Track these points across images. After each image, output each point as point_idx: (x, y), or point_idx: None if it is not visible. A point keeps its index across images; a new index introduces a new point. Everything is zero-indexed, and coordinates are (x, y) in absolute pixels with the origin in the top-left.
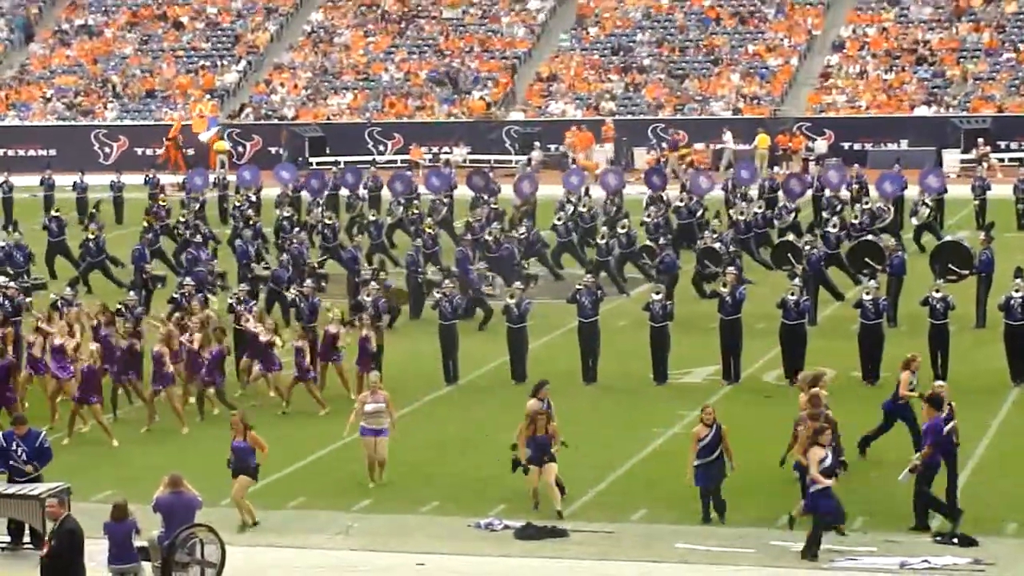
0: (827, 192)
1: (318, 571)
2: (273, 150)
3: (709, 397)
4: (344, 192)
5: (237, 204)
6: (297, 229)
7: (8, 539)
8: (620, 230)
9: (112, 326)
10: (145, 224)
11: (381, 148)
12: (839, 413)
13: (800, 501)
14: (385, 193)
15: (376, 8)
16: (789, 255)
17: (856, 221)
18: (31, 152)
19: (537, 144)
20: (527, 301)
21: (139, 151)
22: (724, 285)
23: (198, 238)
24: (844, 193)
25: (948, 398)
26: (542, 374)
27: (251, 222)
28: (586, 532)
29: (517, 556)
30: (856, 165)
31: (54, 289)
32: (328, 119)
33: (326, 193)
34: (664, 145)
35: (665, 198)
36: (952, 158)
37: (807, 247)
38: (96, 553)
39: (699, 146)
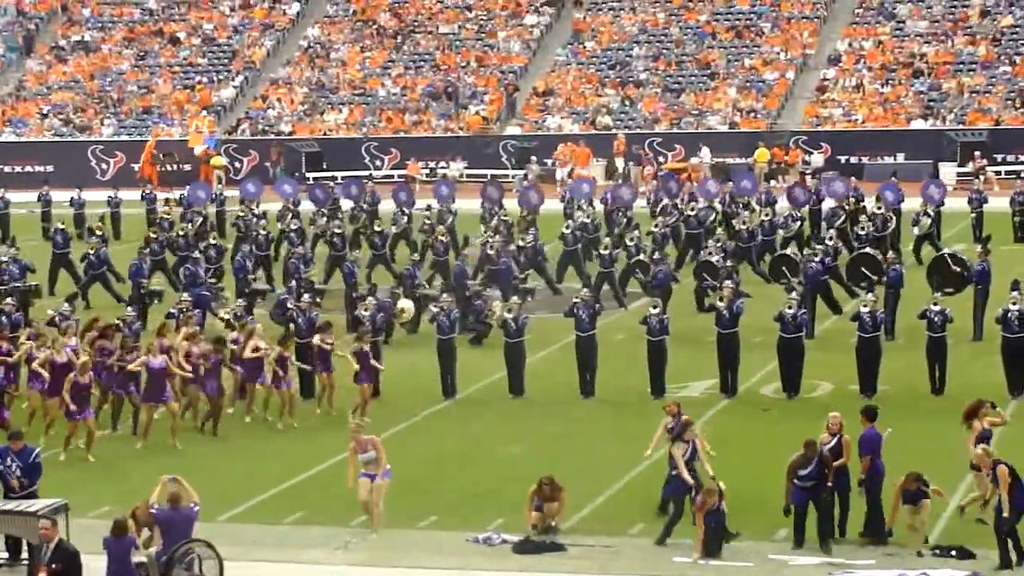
0: (825, 205)
1: None
2: (267, 164)
3: (707, 411)
4: (346, 204)
5: (241, 215)
6: (298, 243)
7: (7, 555)
8: (629, 242)
9: (105, 339)
10: (144, 240)
11: (378, 163)
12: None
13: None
14: (384, 207)
15: (372, 23)
16: (784, 268)
17: (862, 232)
18: (28, 168)
19: (534, 158)
20: (525, 315)
21: (136, 167)
22: (721, 299)
23: (196, 253)
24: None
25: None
26: (540, 388)
27: (262, 232)
28: (584, 546)
29: (515, 571)
30: (852, 178)
31: (51, 305)
32: (325, 134)
33: (329, 205)
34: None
35: (680, 205)
36: (948, 171)
37: (805, 261)
38: (96, 571)
39: (695, 160)
